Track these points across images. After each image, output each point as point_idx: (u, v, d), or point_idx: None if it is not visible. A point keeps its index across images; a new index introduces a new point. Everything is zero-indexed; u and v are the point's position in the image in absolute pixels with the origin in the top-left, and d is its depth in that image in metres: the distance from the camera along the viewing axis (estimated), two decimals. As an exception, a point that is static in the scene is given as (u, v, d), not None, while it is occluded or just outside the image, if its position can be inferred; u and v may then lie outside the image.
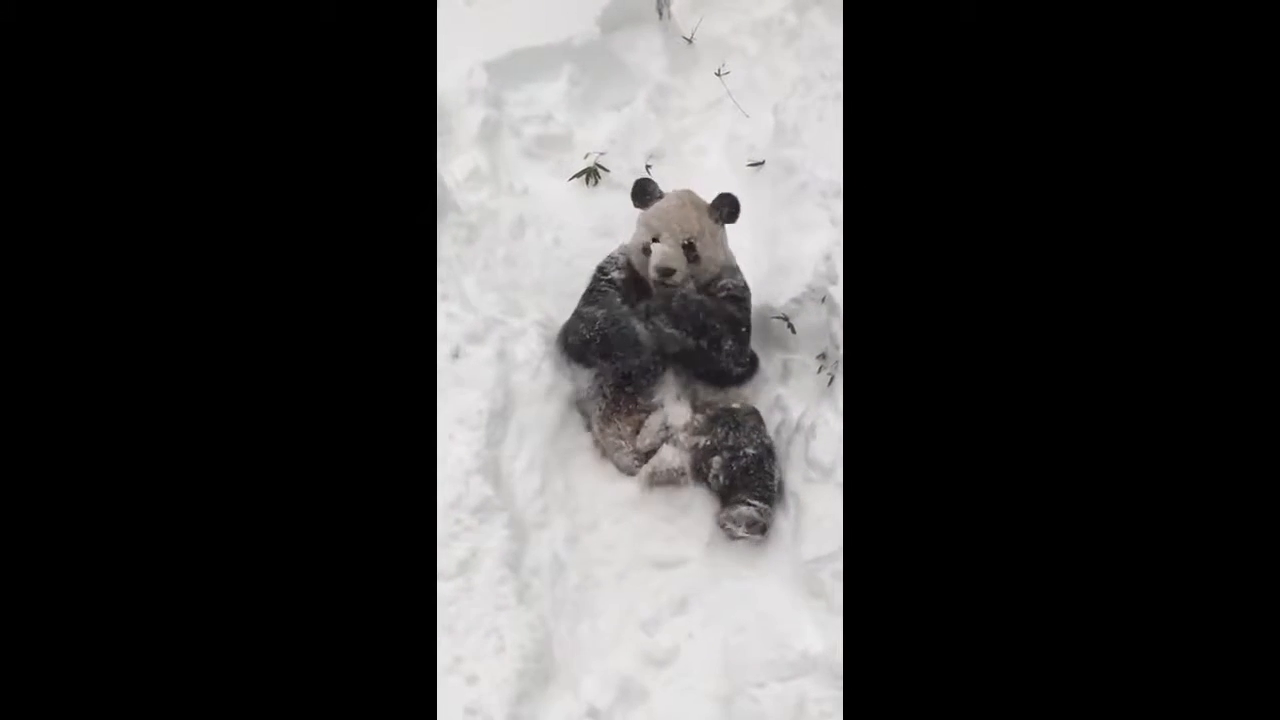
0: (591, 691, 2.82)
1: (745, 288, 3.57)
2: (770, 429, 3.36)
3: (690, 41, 4.87)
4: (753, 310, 3.58)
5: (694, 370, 3.42)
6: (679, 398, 3.38)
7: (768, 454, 3.23)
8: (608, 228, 4.04)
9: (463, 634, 2.74)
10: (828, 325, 3.42)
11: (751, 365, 3.48)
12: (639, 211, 3.62)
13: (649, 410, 3.36)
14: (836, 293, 3.38)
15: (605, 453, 3.39)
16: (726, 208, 3.55)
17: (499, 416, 3.21)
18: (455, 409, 3.11)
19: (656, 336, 3.31)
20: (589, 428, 3.43)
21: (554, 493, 3.22)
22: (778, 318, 3.59)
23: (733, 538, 3.15)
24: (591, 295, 3.49)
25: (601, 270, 3.57)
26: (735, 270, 3.59)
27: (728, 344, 3.39)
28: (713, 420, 3.30)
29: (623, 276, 3.52)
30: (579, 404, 3.43)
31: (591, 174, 4.22)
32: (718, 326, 3.38)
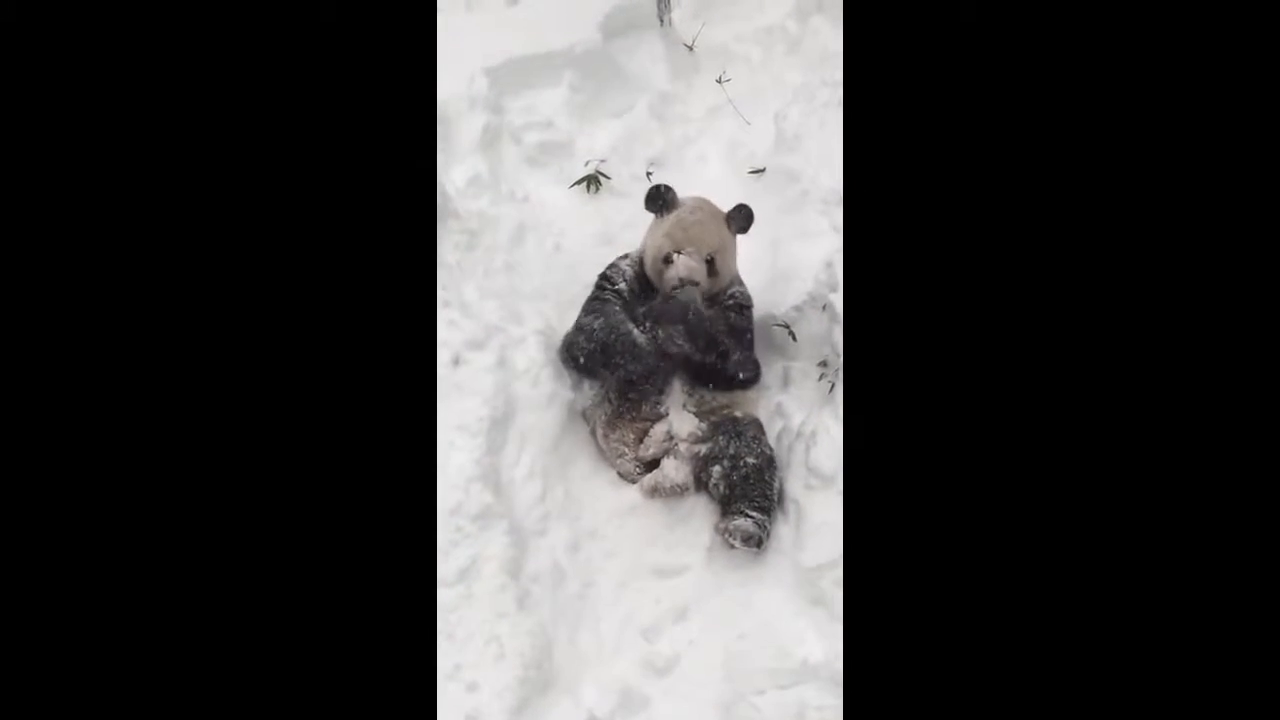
0: (592, 699, 2.82)
1: (748, 296, 3.59)
2: (771, 436, 3.36)
3: (691, 49, 4.88)
4: (754, 317, 3.60)
5: (702, 380, 3.44)
6: (684, 406, 3.38)
7: (768, 464, 3.22)
8: (608, 235, 4.05)
9: (463, 641, 2.74)
10: (829, 333, 3.42)
11: (755, 371, 3.48)
12: (654, 217, 3.62)
13: (654, 419, 3.36)
14: (837, 300, 3.38)
15: (608, 459, 3.39)
16: (742, 219, 3.56)
17: (499, 424, 3.21)
18: (456, 416, 3.11)
19: (655, 341, 3.30)
20: (593, 433, 3.43)
21: (554, 500, 3.22)
22: (779, 325, 3.60)
23: (731, 547, 3.15)
24: (592, 305, 3.49)
25: (608, 280, 3.56)
26: (739, 279, 3.62)
27: (736, 355, 3.42)
28: (715, 428, 3.30)
29: (628, 289, 3.52)
30: (583, 411, 3.44)
31: (592, 181, 4.23)
32: (726, 342, 3.41)
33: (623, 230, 4.06)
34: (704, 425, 3.33)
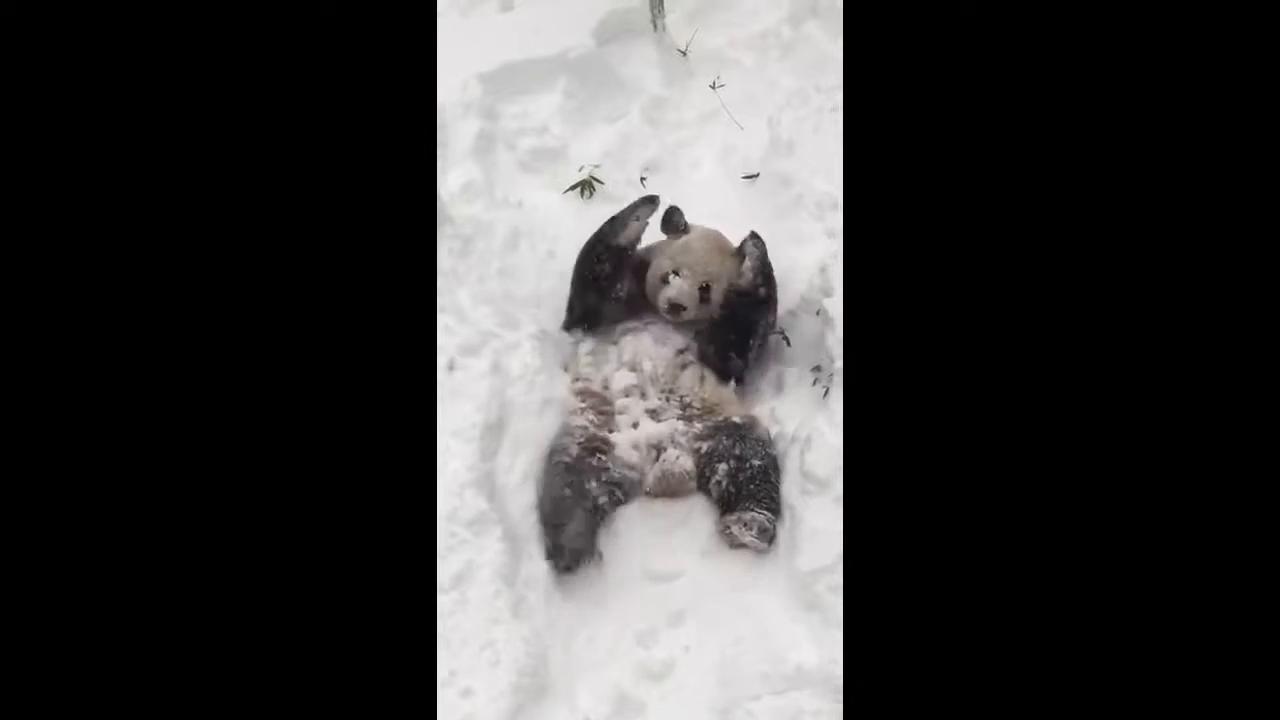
0: (587, 705, 2.82)
1: (771, 296, 3.61)
2: (766, 442, 3.37)
3: (685, 54, 4.88)
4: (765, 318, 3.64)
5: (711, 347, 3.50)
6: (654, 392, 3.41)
7: (773, 467, 3.22)
8: (603, 240, 4.04)
9: (458, 647, 2.74)
10: (823, 338, 3.42)
11: (743, 376, 3.53)
12: (664, 237, 3.68)
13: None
14: (831, 305, 3.39)
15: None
16: (755, 257, 3.57)
17: (493, 429, 3.21)
18: (450, 422, 3.11)
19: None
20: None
21: (548, 505, 3.20)
22: (775, 333, 3.60)
23: (734, 545, 3.14)
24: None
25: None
26: (770, 275, 3.62)
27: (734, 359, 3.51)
28: (717, 429, 3.29)
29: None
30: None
31: (586, 186, 4.22)
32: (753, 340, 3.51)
33: (617, 236, 4.06)
34: (697, 426, 3.32)
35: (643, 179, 4.29)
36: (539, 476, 3.18)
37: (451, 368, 3.27)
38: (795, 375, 3.54)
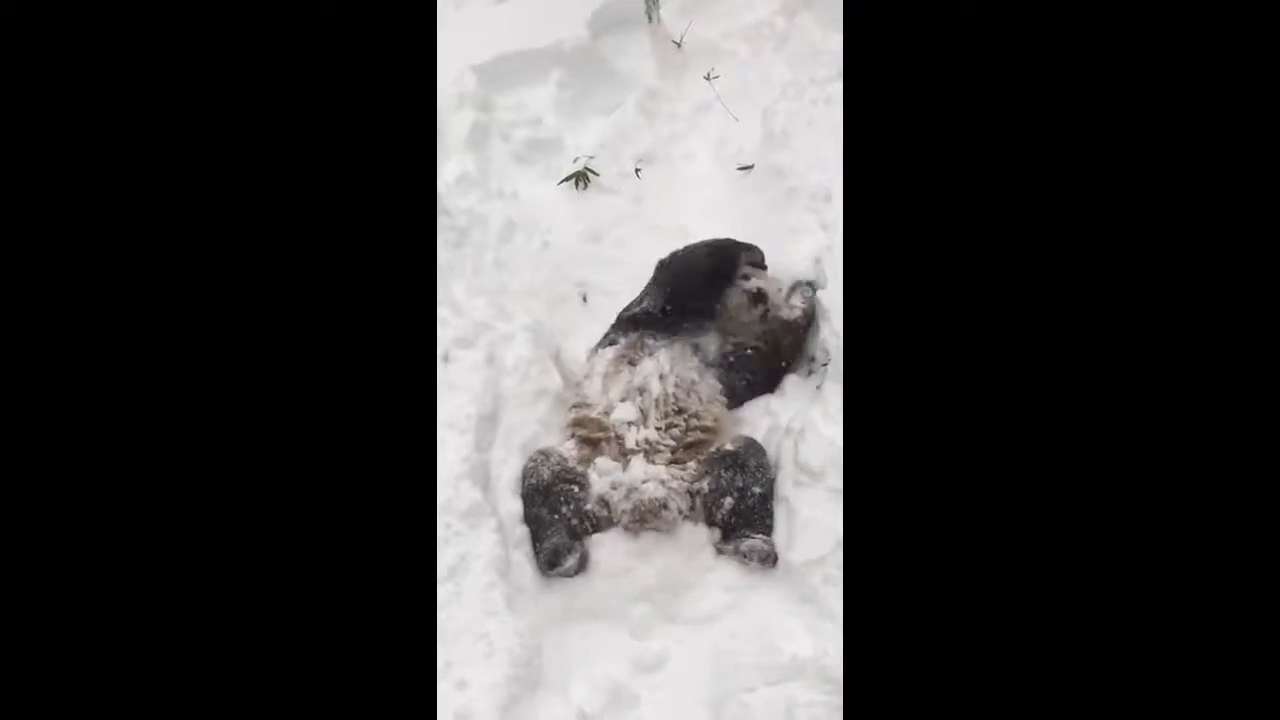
0: (581, 696, 2.81)
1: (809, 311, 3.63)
2: (759, 434, 3.35)
3: (680, 45, 4.88)
4: None
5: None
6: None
7: (770, 490, 3.18)
8: (597, 232, 4.05)
9: (452, 639, 2.74)
10: (817, 330, 3.43)
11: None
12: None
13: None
14: (825, 297, 3.39)
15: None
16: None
17: (488, 420, 3.21)
18: (445, 413, 3.11)
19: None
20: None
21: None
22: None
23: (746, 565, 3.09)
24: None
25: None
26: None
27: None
28: (712, 463, 3.19)
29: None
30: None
31: (581, 178, 4.23)
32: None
33: (611, 227, 4.06)
34: (691, 466, 3.22)
35: (637, 170, 4.29)
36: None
37: (446, 359, 3.27)
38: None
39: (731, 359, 3.49)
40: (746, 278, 3.63)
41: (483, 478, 3.11)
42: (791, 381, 3.49)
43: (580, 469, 3.20)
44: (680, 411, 3.30)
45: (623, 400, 3.32)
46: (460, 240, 3.73)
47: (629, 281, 3.79)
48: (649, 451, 3.23)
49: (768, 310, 3.57)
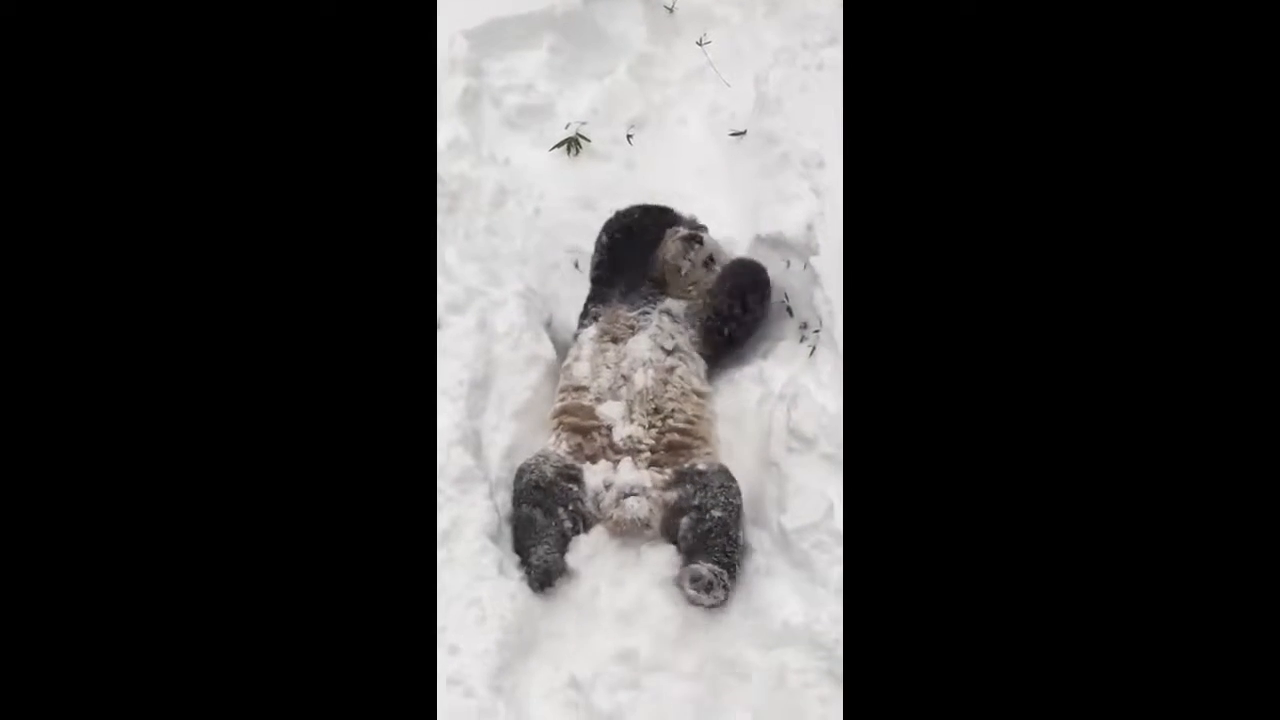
0: (573, 662, 2.82)
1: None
2: (752, 401, 3.36)
3: (672, 10, 4.84)
4: None
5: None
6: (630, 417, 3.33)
7: (735, 517, 3.08)
8: (588, 198, 4.04)
9: (444, 605, 2.74)
10: (809, 296, 3.42)
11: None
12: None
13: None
14: (818, 263, 3.38)
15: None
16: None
17: (479, 387, 3.21)
18: (437, 379, 3.10)
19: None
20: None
21: (534, 463, 3.20)
22: (778, 301, 3.59)
23: (690, 601, 2.97)
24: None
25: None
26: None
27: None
28: (680, 476, 3.16)
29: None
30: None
31: (573, 144, 4.22)
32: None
33: (602, 194, 4.05)
34: (668, 472, 3.20)
35: (629, 136, 4.28)
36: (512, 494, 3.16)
37: (437, 326, 3.26)
38: (784, 333, 3.54)
39: (705, 317, 3.55)
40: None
41: (474, 444, 3.11)
42: (784, 347, 3.49)
43: (578, 465, 3.20)
44: (657, 411, 3.29)
45: (609, 390, 3.34)
46: (452, 206, 3.72)
47: (620, 248, 3.77)
48: (634, 451, 3.23)
49: (711, 257, 3.65)
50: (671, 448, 3.24)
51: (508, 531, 3.08)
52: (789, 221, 3.58)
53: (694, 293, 3.64)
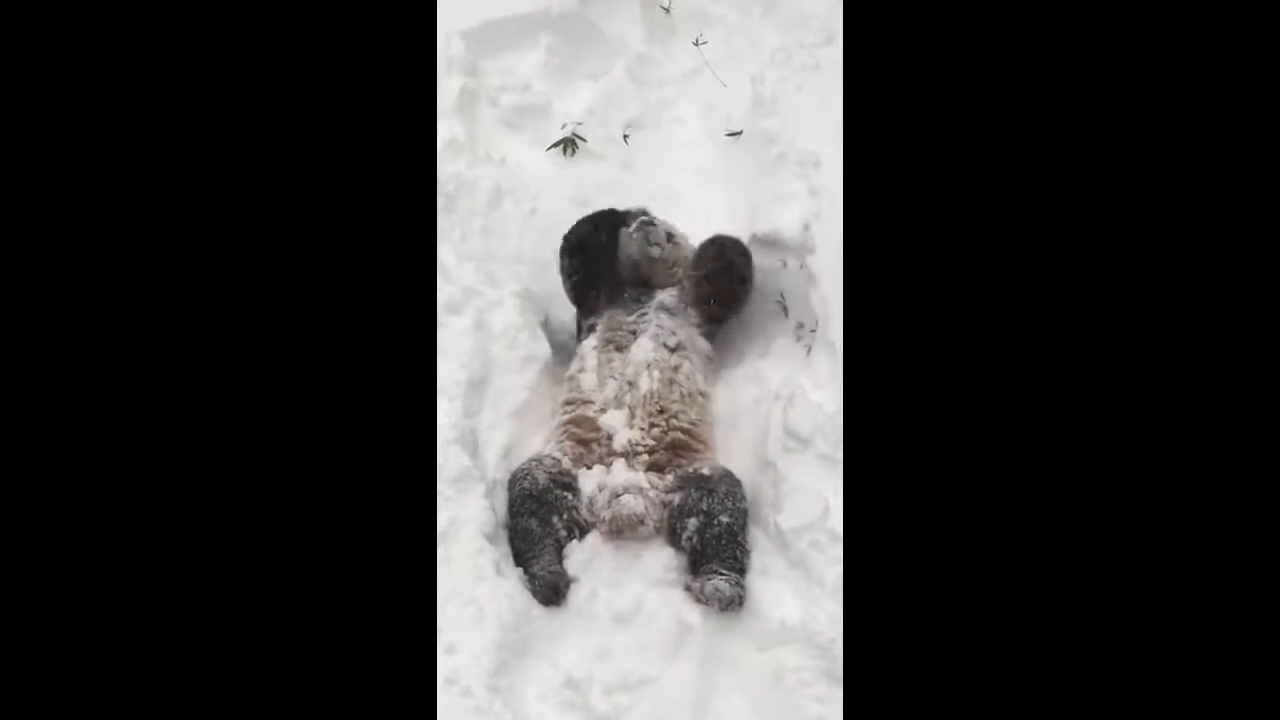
0: (569, 662, 2.82)
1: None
2: (748, 400, 3.36)
3: (668, 11, 4.84)
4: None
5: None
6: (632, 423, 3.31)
7: (742, 523, 3.09)
8: (585, 198, 4.03)
9: (441, 604, 2.74)
10: (806, 296, 3.42)
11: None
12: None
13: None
14: (814, 263, 3.38)
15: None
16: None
17: (476, 387, 3.22)
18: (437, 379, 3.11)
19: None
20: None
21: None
22: (776, 301, 3.59)
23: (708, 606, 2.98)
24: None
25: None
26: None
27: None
28: (685, 480, 3.15)
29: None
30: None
31: (569, 144, 4.22)
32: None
33: (599, 193, 4.05)
34: (669, 476, 3.20)
35: (625, 136, 4.28)
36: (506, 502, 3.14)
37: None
38: (779, 332, 3.54)
39: (698, 293, 3.58)
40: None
41: (471, 444, 3.11)
42: (780, 346, 3.49)
43: (574, 471, 3.19)
44: (661, 411, 3.29)
45: (615, 399, 3.32)
46: (449, 206, 3.72)
47: (616, 248, 3.77)
48: (630, 454, 3.22)
49: (669, 233, 3.67)
50: (673, 448, 3.24)
51: (505, 532, 3.08)
52: (785, 221, 3.58)
53: (678, 273, 3.65)
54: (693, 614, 2.93)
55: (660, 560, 3.06)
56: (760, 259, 3.62)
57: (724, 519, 3.04)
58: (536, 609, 2.92)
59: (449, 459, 2.99)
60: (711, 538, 3.02)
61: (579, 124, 4.27)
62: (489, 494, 3.05)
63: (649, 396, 3.29)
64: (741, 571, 3.01)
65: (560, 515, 3.09)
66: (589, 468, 3.21)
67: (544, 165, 4.18)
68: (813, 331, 3.36)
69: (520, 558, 3.05)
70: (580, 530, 3.12)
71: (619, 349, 3.44)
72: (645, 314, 3.52)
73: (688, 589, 3.00)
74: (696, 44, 4.59)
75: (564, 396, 3.40)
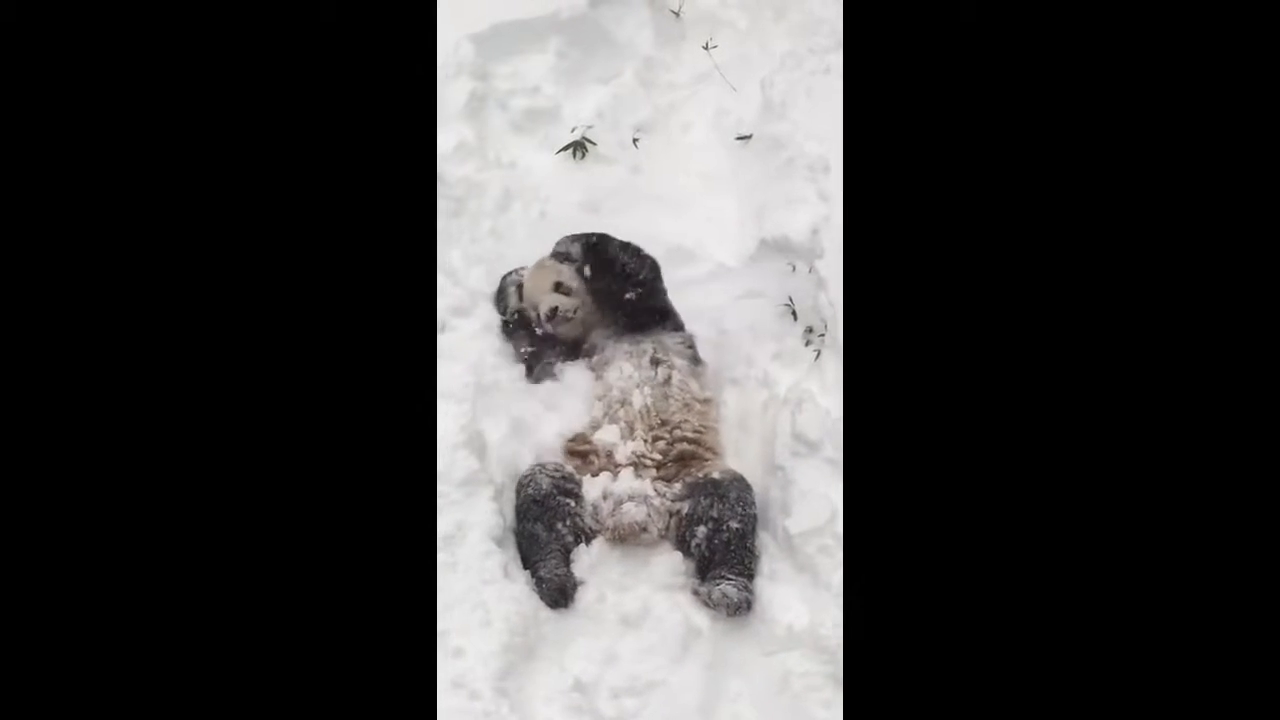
0: (577, 665, 2.83)
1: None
2: (757, 404, 3.36)
3: (678, 15, 4.84)
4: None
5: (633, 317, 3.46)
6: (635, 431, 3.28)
7: (751, 528, 3.09)
8: (594, 202, 4.04)
9: (449, 607, 2.74)
10: (815, 300, 3.42)
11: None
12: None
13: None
14: (823, 267, 3.38)
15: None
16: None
17: (485, 390, 3.21)
18: (441, 382, 3.09)
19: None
20: None
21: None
22: (785, 305, 3.58)
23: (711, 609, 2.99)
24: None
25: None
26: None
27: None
28: (693, 488, 3.15)
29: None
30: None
31: (579, 147, 4.22)
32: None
33: (608, 197, 4.05)
34: (678, 485, 3.18)
35: (635, 140, 4.28)
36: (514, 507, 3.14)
37: (442, 329, 3.27)
38: (788, 337, 3.54)
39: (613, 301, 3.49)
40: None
41: (479, 446, 3.11)
42: (789, 351, 3.48)
43: (577, 477, 3.18)
44: (664, 424, 3.27)
45: (606, 417, 3.29)
46: (458, 209, 3.73)
47: (626, 251, 3.76)
48: (638, 465, 3.21)
49: (557, 283, 3.51)
50: (681, 459, 3.23)
51: (512, 536, 3.08)
52: (794, 226, 3.59)
53: (583, 310, 3.52)
54: (700, 618, 2.93)
55: (668, 564, 3.06)
56: (769, 263, 3.62)
57: (734, 524, 3.04)
58: (544, 612, 2.92)
59: (456, 462, 2.99)
60: (721, 543, 3.03)
61: (589, 127, 4.27)
62: (497, 497, 3.05)
63: (645, 412, 3.27)
64: (750, 576, 3.01)
65: (564, 521, 3.09)
66: (594, 475, 3.21)
67: (553, 169, 4.18)
68: (821, 336, 3.36)
69: (527, 561, 3.05)
70: (586, 536, 3.11)
71: (596, 376, 3.40)
72: (603, 355, 3.44)
73: (695, 594, 3.00)
74: (706, 48, 4.58)
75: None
